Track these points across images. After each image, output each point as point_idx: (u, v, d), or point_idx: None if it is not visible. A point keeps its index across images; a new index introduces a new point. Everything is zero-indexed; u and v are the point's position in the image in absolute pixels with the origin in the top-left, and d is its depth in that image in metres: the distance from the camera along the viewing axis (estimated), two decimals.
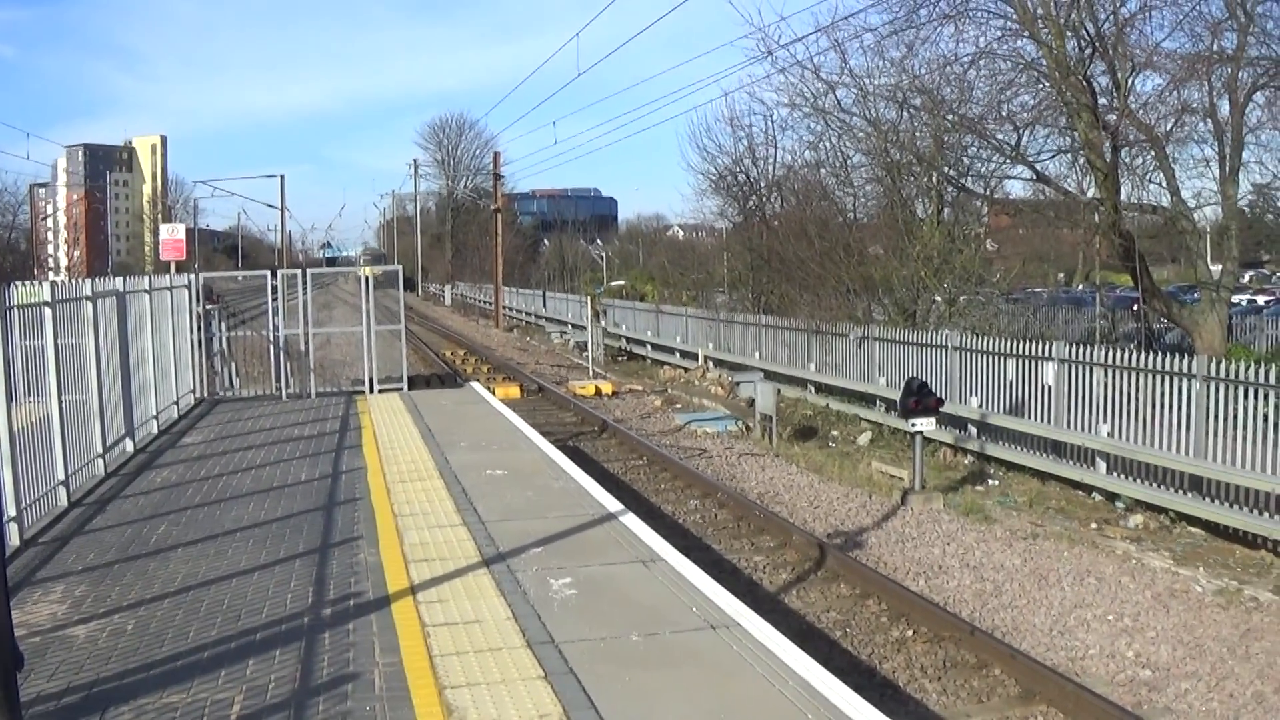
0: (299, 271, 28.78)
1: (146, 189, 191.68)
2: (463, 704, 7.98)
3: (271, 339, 28.05)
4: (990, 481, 21.98)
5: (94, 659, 8.99)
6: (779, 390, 28.16)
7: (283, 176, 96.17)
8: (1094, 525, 18.57)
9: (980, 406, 23.88)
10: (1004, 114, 29.47)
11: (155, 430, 20.92)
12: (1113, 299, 44.54)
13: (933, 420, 20.18)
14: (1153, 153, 28.20)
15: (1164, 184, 28.46)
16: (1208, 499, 17.98)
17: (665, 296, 56.92)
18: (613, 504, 14.22)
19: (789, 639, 9.26)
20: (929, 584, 15.41)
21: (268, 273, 28.45)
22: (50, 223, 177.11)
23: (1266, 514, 16.79)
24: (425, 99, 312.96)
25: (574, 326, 58.22)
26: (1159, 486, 18.98)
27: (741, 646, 9.01)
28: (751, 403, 28.66)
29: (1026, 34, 28.34)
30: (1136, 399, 19.84)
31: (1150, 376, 19.52)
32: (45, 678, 8.59)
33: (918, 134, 32.43)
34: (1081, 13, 27.83)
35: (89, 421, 16.31)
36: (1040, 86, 28.98)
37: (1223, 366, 18.24)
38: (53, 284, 15.51)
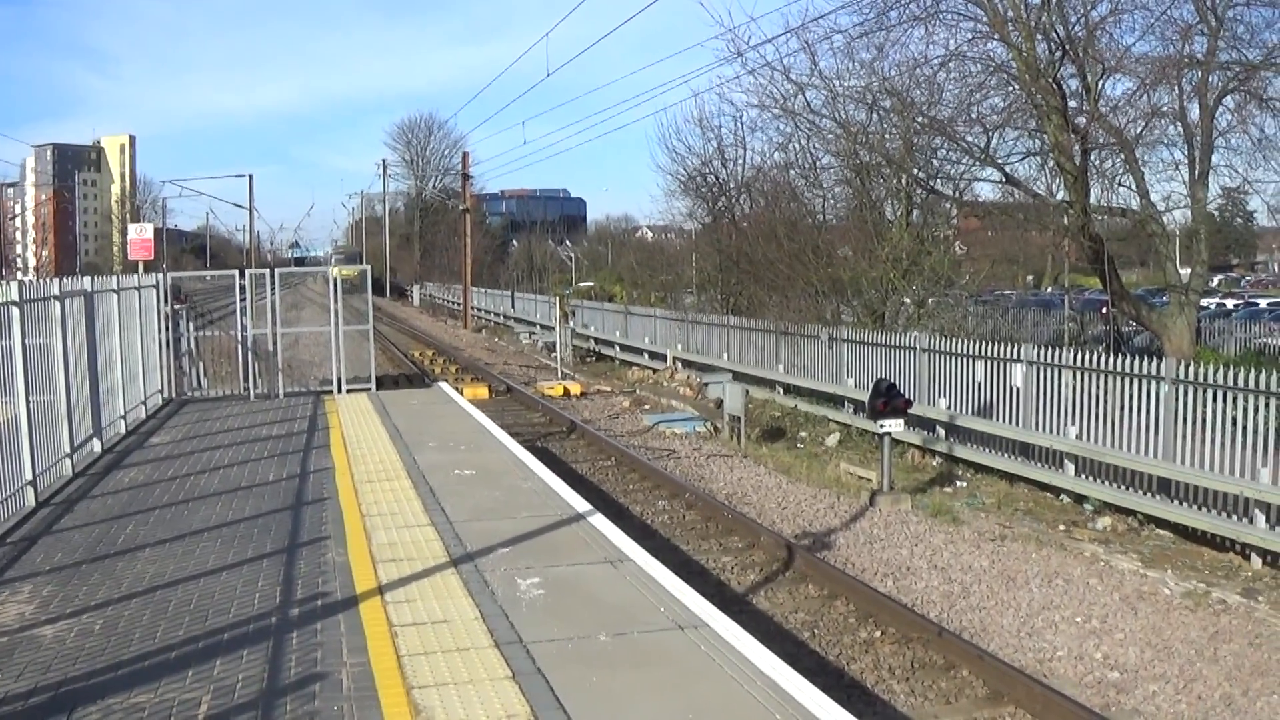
0: (267, 271, 28.67)
1: (115, 189, 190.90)
2: (430, 704, 7.96)
3: (239, 339, 27.96)
4: (958, 483, 22.05)
5: (62, 659, 8.94)
6: (747, 391, 28.17)
7: (251, 176, 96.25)
8: (1062, 527, 18.64)
9: (949, 408, 23.94)
10: (973, 116, 29.54)
11: (123, 430, 20.83)
12: (1081, 301, 44.85)
13: (901, 422, 20.21)
14: (1122, 156, 28.31)
15: (1133, 187, 28.59)
16: (1176, 501, 18.06)
17: (634, 297, 56.88)
18: (581, 504, 14.22)
19: (757, 639, 9.26)
20: (897, 585, 15.43)
21: (236, 273, 28.33)
22: (18, 222, 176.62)
23: (1234, 517, 16.87)
24: (394, 99, 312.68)
25: (542, 327, 58.19)
26: (1127, 489, 19.06)
27: (710, 647, 9.01)
28: (720, 404, 28.71)
29: (997, 37, 28.41)
30: (1105, 401, 19.91)
31: (1119, 379, 19.59)
32: (13, 678, 8.55)
33: (887, 136, 32.50)
34: (1052, 16, 27.95)
35: (56, 422, 16.23)
36: (1010, 89, 29.08)
37: (1191, 369, 18.31)
38: (20, 284, 15.42)
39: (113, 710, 7.93)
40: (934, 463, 23.81)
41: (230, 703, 8.03)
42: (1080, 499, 19.94)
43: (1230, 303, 60.33)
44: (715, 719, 7.72)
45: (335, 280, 27.68)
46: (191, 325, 29.68)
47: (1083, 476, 20.11)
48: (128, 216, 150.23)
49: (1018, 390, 21.98)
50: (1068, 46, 27.88)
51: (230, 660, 8.86)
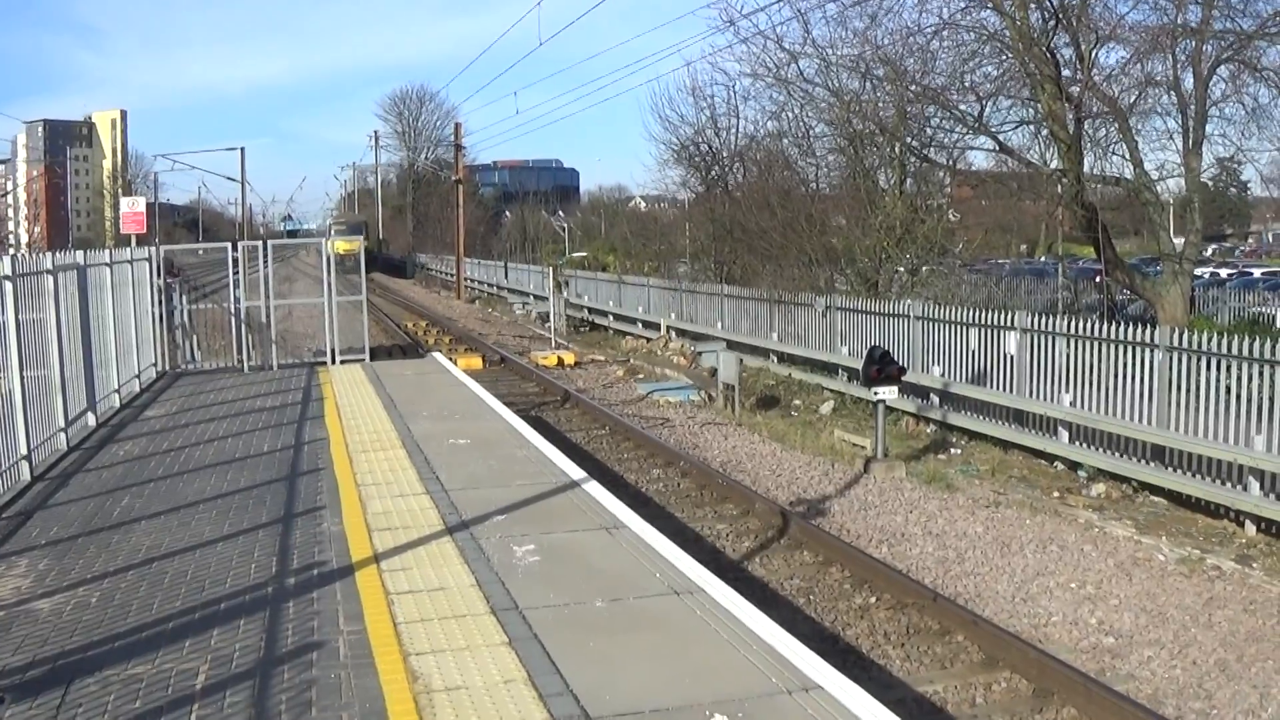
0: (260, 244, 28.62)
1: (107, 164, 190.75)
2: (427, 670, 7.98)
3: (233, 311, 27.93)
4: (953, 450, 22.06)
5: (59, 632, 8.95)
6: (741, 360, 28.18)
7: (243, 150, 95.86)
8: (1056, 494, 18.66)
9: (943, 376, 23.95)
10: (967, 85, 29.52)
11: (117, 404, 20.81)
12: (1075, 270, 44.84)
13: (895, 389, 20.21)
14: (1116, 125, 28.31)
15: (1127, 156, 28.60)
16: (1170, 468, 18.09)
17: (627, 267, 56.85)
18: (576, 472, 14.25)
19: (753, 605, 9.28)
20: (892, 551, 15.46)
21: (228, 245, 28.26)
22: (10, 199, 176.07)
23: (1228, 484, 16.91)
24: (385, 71, 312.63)
25: (536, 298, 58.22)
26: (1121, 456, 19.09)
27: (705, 612, 9.03)
28: (714, 372, 28.68)
29: (990, 5, 28.36)
30: (1099, 369, 19.92)
31: (1113, 347, 19.58)
32: (10, 651, 8.55)
33: (880, 104, 32.42)
34: None
35: (51, 396, 16.21)
36: (1003, 58, 29.03)
37: (1185, 337, 18.30)
38: (13, 258, 15.39)
39: (110, 682, 7.93)
40: (928, 430, 23.83)
41: (228, 672, 8.05)
42: (1074, 466, 19.96)
43: (1224, 272, 60.21)
44: (711, 682, 7.73)
45: (329, 255, 27.65)
46: (185, 298, 29.62)
47: (1077, 443, 20.14)
48: (120, 191, 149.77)
49: (1012, 358, 21.98)
50: (1061, 15, 27.84)
51: (227, 630, 8.87)
